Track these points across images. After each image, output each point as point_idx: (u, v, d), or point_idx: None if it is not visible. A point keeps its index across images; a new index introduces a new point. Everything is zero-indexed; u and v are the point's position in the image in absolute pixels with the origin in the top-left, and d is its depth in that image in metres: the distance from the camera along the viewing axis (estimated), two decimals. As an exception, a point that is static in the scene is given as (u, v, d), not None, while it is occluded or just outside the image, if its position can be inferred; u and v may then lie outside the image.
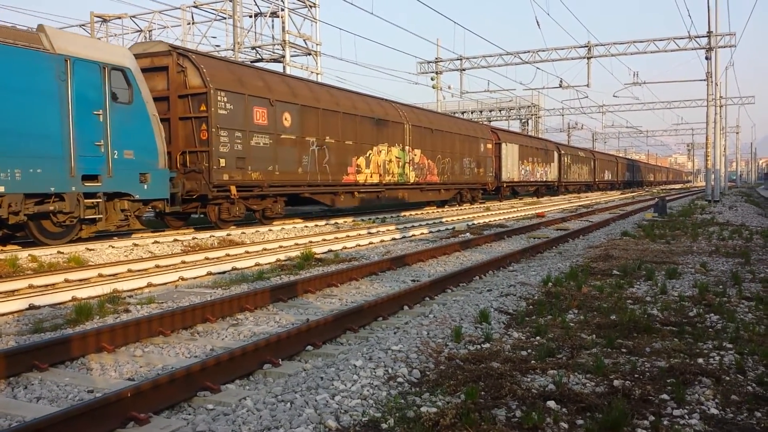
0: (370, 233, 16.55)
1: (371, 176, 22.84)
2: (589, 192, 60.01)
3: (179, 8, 33.73)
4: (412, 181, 25.93)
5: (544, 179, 45.07)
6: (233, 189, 16.27)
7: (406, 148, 25.48)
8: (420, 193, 27.38)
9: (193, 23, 33.99)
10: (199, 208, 16.53)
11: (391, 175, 24.31)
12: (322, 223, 19.44)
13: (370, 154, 22.86)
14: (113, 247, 12.47)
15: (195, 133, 15.81)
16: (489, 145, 34.61)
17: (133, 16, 34.81)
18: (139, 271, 10.24)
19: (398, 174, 24.78)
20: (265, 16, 31.47)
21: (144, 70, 14.47)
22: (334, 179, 20.75)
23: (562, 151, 50.19)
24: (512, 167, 37.98)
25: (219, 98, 15.83)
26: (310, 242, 14.32)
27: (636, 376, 4.66)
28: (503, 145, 36.69)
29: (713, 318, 6.51)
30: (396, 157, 24.65)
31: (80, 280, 9.36)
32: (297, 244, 13.93)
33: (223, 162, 15.92)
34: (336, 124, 20.88)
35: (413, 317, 6.83)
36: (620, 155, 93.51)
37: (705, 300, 7.34)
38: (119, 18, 34.89)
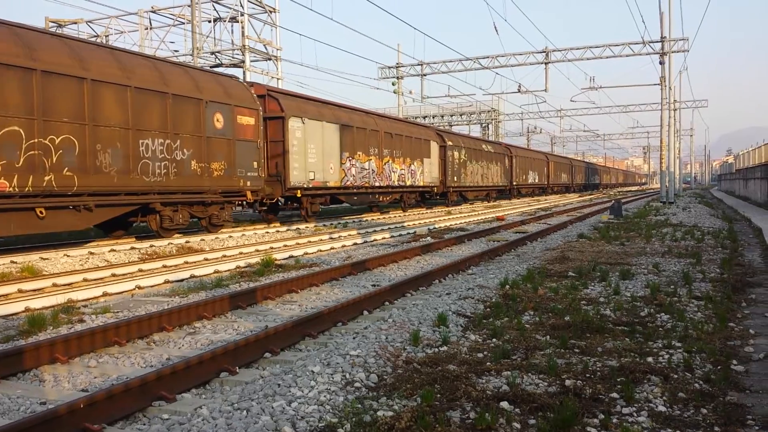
0: (331, 238, 16.55)
1: None
2: (508, 199, 48.05)
3: (136, 13, 33.30)
4: None
5: (410, 183, 29.76)
6: None
7: None
8: None
9: (150, 28, 33.56)
10: None
11: None
12: (284, 228, 19.35)
13: None
14: (68, 256, 12.25)
15: None
16: (247, 120, 18.04)
17: (90, 21, 34.24)
18: (94, 280, 10.08)
19: None
20: (225, 21, 31.25)
21: None
22: None
23: (449, 142, 34.80)
24: (322, 163, 22.21)
25: None
26: (271, 248, 14.26)
27: (587, 375, 4.77)
28: (293, 122, 20.49)
29: (664, 317, 6.69)
30: None
31: (34, 290, 9.18)
32: (258, 251, 13.85)
33: None
34: None
35: (372, 322, 6.87)
36: (556, 154, 79.11)
37: (656, 300, 7.53)
38: (75, 23, 34.28)
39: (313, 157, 21.70)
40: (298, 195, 20.96)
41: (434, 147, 32.97)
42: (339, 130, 23.45)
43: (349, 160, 24.21)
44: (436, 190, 33.48)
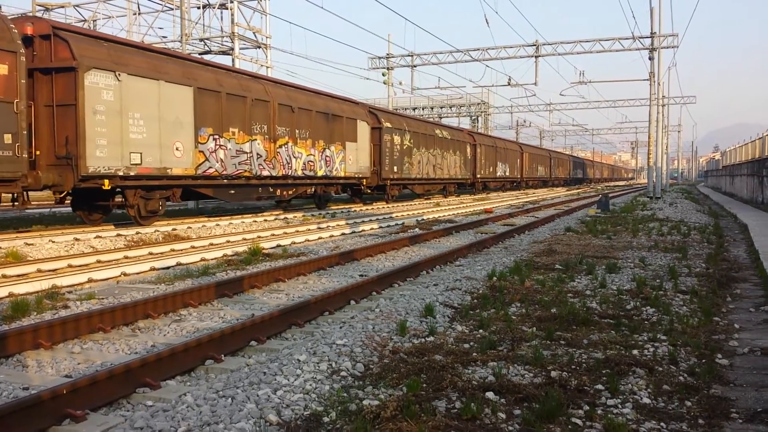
0: (319, 228, 16.51)
1: None
2: (471, 194, 42.06)
3: (125, -2, 32.94)
4: None
5: (323, 173, 22.91)
6: None
7: None
8: None
9: (139, 13, 33.21)
10: None
11: None
12: (272, 218, 19.28)
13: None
14: (53, 241, 12.14)
15: None
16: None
17: (77, 6, 33.81)
18: (79, 266, 10.00)
19: None
20: (214, 7, 30.95)
21: None
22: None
23: (386, 124, 28.43)
24: (158, 140, 15.28)
25: None
26: (259, 237, 14.20)
27: (573, 367, 4.78)
28: (96, 77, 13.61)
29: (649, 311, 6.71)
30: None
31: (18, 276, 9.09)
32: (245, 239, 13.80)
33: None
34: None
35: (359, 312, 6.86)
36: (533, 145, 70.91)
37: (642, 293, 7.57)
38: (63, 7, 33.83)
39: (140, 131, 14.76)
40: (106, 186, 14.00)
41: (363, 128, 26.03)
42: (194, 95, 16.41)
43: (214, 139, 17.20)
44: (366, 183, 26.90)
